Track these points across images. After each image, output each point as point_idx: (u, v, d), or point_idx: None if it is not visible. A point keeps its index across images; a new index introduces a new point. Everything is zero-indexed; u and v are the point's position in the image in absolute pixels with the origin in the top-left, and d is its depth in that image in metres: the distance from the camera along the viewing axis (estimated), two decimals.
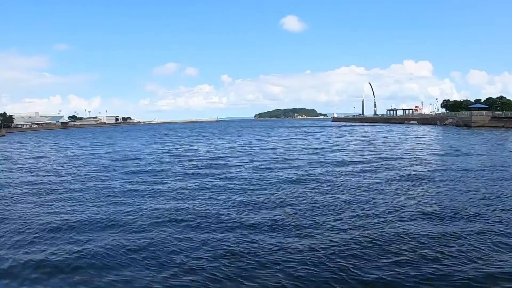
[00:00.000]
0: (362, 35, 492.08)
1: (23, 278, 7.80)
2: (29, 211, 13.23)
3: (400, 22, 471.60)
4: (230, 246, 9.07)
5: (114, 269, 8.03)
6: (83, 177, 21.18)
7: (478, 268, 7.56)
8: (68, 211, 13.04)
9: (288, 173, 20.41)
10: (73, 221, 11.68)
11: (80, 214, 12.60)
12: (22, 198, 15.67)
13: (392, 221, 10.86)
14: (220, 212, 12.36)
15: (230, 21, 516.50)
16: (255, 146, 41.69)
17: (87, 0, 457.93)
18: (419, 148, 34.10)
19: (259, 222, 11.05)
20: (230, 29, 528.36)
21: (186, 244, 9.35)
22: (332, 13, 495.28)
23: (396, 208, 12.22)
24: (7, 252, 9.15)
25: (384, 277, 7.29)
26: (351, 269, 7.68)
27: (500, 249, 8.53)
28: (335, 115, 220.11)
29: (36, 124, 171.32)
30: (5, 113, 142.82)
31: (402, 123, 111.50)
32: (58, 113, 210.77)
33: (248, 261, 8.19)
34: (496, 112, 76.43)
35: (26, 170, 25.11)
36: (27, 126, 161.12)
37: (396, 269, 7.60)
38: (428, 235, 9.55)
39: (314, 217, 11.42)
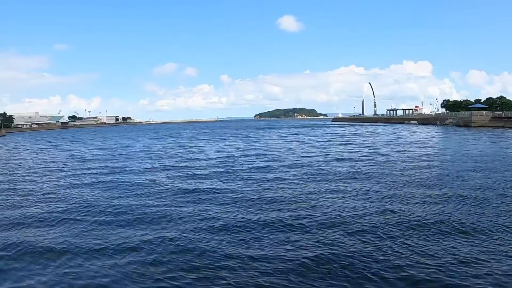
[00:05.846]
0: (361, 35, 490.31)
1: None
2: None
3: (400, 22, 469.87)
4: None
5: None
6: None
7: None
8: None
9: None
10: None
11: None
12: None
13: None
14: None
15: (229, 21, 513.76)
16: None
17: (87, 0, 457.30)
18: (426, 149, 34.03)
19: None
20: (229, 29, 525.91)
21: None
22: (329, 13, 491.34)
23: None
24: None
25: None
26: None
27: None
28: (340, 115, 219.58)
29: (36, 124, 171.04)
30: (5, 113, 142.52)
31: (402, 123, 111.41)
32: (58, 113, 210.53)
33: None
34: (496, 112, 76.43)
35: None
36: (27, 126, 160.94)
37: None
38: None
39: None
